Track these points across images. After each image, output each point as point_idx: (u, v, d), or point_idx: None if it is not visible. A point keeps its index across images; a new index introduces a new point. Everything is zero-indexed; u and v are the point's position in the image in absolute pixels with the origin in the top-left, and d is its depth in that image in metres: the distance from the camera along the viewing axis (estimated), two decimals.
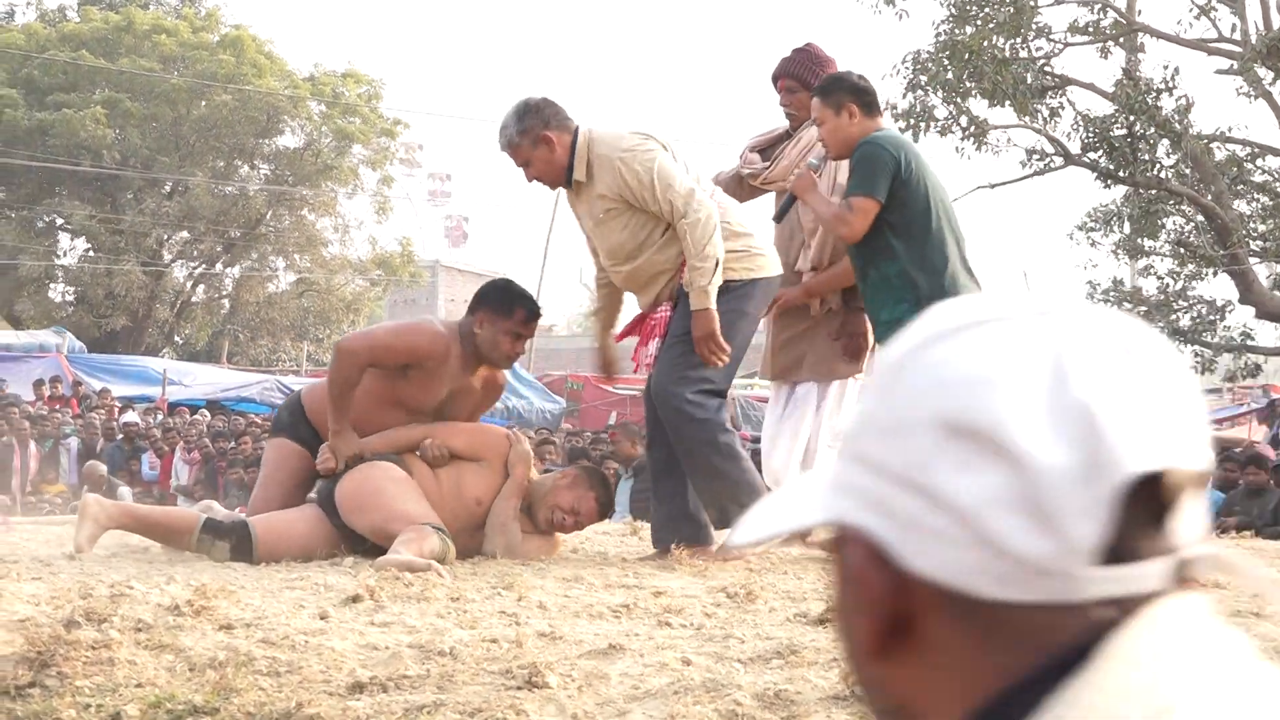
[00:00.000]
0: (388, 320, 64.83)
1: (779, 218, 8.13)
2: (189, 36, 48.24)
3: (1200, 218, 28.62)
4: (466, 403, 8.11)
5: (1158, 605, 1.17)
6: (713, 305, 7.26)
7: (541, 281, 31.77)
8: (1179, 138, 26.41)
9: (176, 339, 51.91)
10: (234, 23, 51.05)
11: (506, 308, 7.85)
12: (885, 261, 7.37)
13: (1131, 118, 26.43)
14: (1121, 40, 28.56)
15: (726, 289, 7.37)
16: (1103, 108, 27.63)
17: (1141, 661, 1.14)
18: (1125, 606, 1.16)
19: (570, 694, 4.30)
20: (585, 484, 7.86)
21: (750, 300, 7.50)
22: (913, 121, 27.16)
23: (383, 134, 50.44)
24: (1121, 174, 27.14)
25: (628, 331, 7.91)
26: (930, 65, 26.83)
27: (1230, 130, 28.49)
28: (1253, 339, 30.28)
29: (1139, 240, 30.32)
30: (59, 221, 48.81)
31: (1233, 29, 27.91)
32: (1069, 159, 27.85)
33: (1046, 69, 27.81)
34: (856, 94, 7.54)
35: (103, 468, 21.53)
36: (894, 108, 27.23)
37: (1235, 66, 27.61)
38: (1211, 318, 30.42)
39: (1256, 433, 29.86)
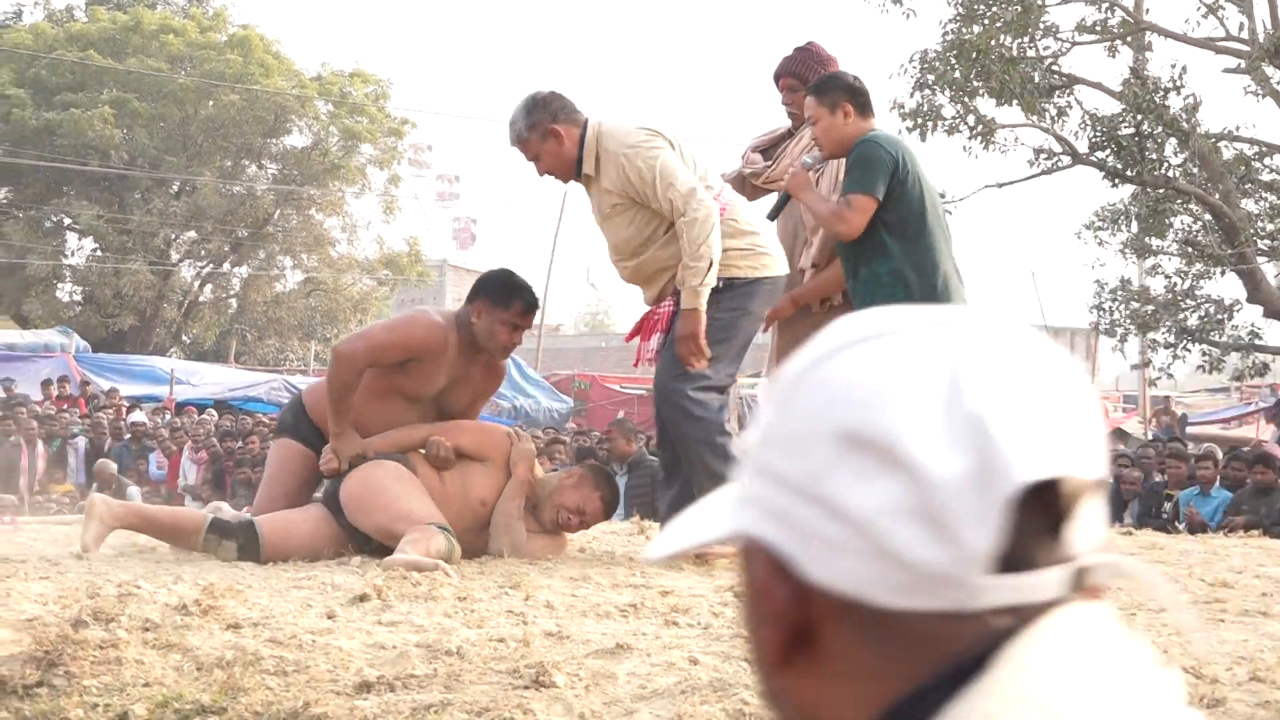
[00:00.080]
0: None
1: (773, 215, 8.12)
2: (196, 36, 48.27)
3: (1208, 217, 28.56)
4: (466, 391, 8.11)
5: (1055, 613, 1.18)
6: (701, 306, 7.24)
7: (548, 281, 31.76)
8: (1187, 137, 26.36)
9: (184, 338, 51.93)
10: (241, 22, 51.22)
11: (505, 299, 7.85)
12: (878, 260, 7.37)
13: (1139, 117, 26.38)
14: (1129, 39, 28.52)
15: (730, 286, 7.37)
16: (1110, 107, 27.61)
17: (1037, 669, 1.15)
18: (1023, 614, 1.17)
19: (577, 693, 4.30)
20: (591, 483, 7.86)
21: (754, 298, 7.48)
22: (920, 121, 27.13)
23: (390, 133, 50.46)
24: (1129, 173, 27.08)
25: (635, 332, 7.89)
26: (937, 64, 26.79)
27: (1238, 129, 28.45)
28: (1260, 338, 30.21)
29: (1147, 239, 30.27)
30: (67, 221, 48.87)
31: (1240, 28, 27.85)
32: (1076, 158, 27.80)
33: (1054, 68, 27.77)
34: (851, 94, 7.56)
35: (113, 466, 21.56)
36: (901, 107, 27.22)
37: (1243, 65, 27.56)
38: (1219, 317, 30.36)
39: (1264, 431, 29.87)
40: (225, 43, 48.62)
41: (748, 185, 8.41)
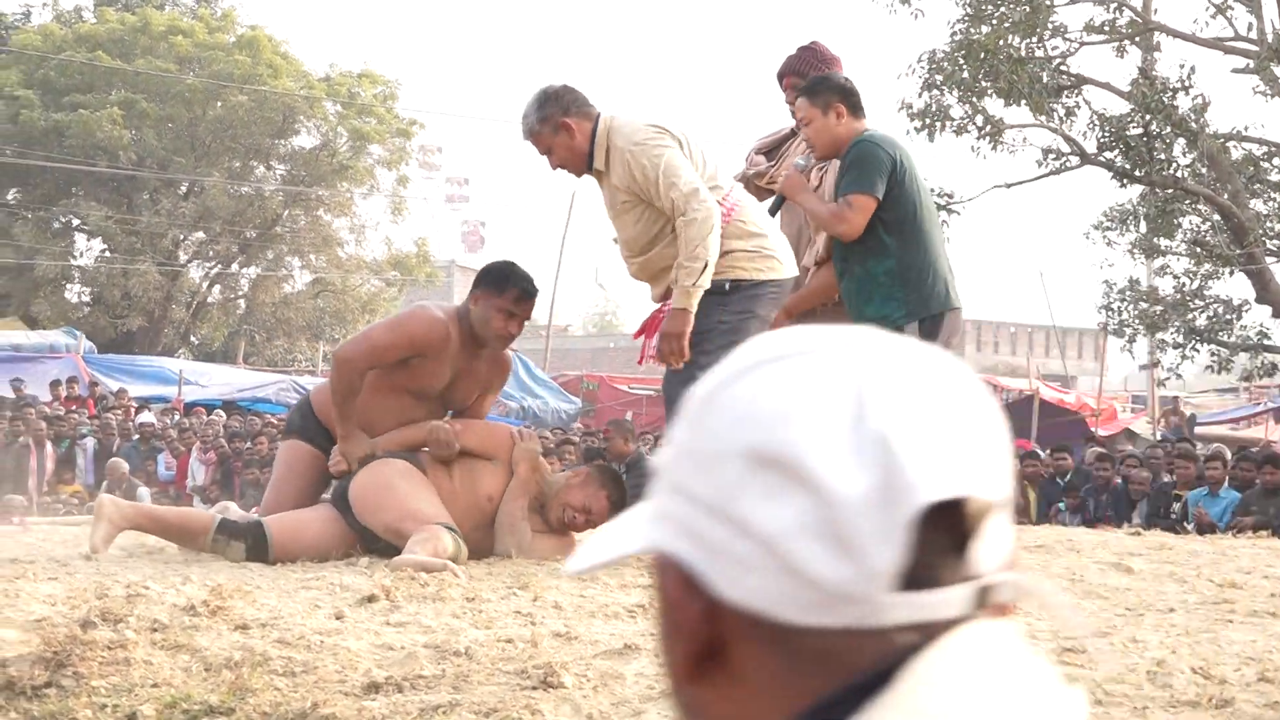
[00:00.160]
0: None
1: (771, 213, 8.10)
2: (205, 37, 48.27)
3: (1216, 217, 28.56)
4: (472, 385, 8.11)
5: (959, 630, 1.19)
6: (691, 306, 7.19)
7: (557, 282, 31.80)
8: (1195, 137, 26.36)
9: (192, 339, 51.94)
10: (250, 23, 51.12)
11: (499, 285, 7.85)
12: (875, 260, 7.38)
13: (1148, 117, 26.38)
14: (1137, 39, 28.53)
15: (736, 288, 7.33)
16: (1119, 107, 27.62)
17: (938, 685, 1.16)
18: (928, 631, 1.18)
19: (585, 694, 4.30)
20: (597, 482, 7.86)
21: (760, 301, 7.42)
22: (928, 121, 27.15)
23: (399, 134, 50.46)
24: (1138, 173, 27.09)
25: (642, 330, 7.87)
26: (946, 64, 26.81)
27: (1247, 129, 28.45)
28: (1269, 338, 30.20)
29: (1155, 239, 30.26)
30: (75, 222, 48.89)
31: (1249, 28, 27.87)
32: (1085, 158, 27.81)
33: (1062, 68, 27.78)
34: (843, 94, 7.57)
35: (125, 465, 21.55)
36: (909, 107, 27.22)
37: (1251, 65, 27.56)
38: (1228, 317, 30.34)
39: (1273, 432, 29.86)
40: (233, 43, 48.60)
41: (751, 187, 8.39)
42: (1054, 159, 28.29)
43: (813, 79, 7.81)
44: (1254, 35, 27.77)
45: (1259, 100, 26.25)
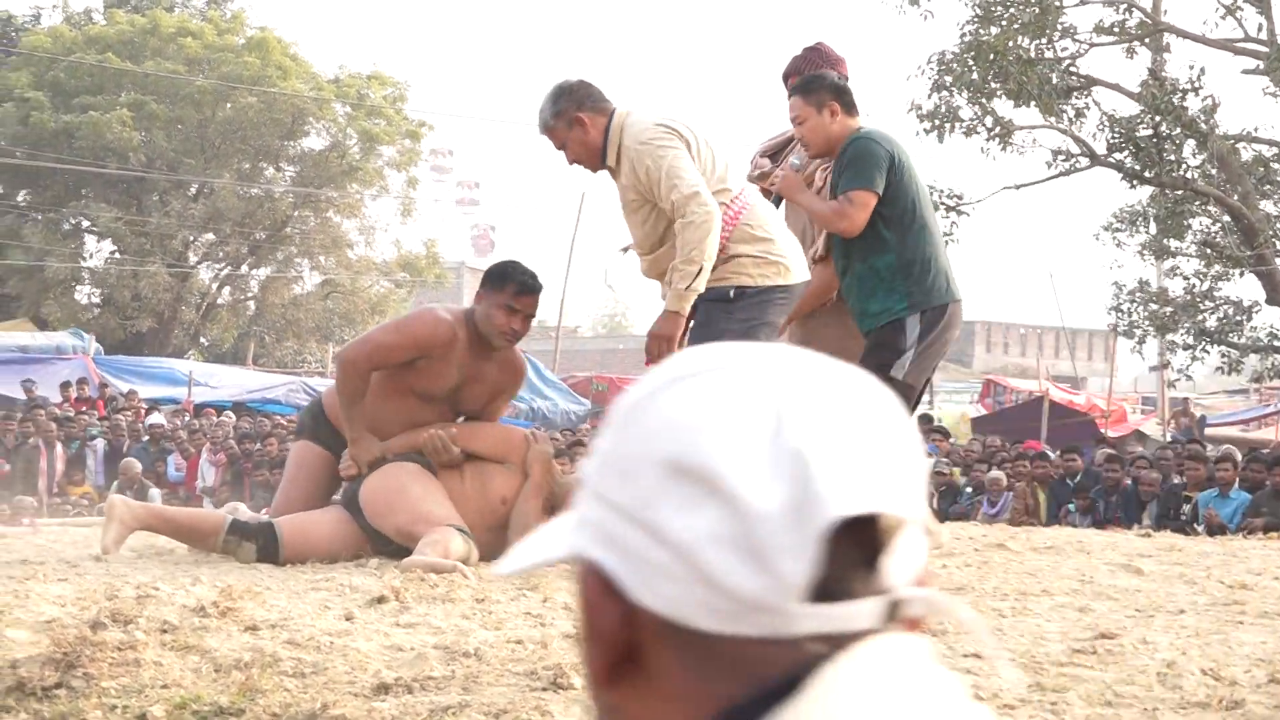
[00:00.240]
0: None
1: None
2: (214, 39, 48.31)
3: (1227, 218, 28.52)
4: (482, 389, 8.07)
5: (867, 643, 1.22)
6: (683, 309, 7.16)
7: (566, 283, 31.80)
8: (1205, 138, 26.33)
9: (202, 341, 51.97)
10: (259, 25, 51.22)
11: (499, 282, 7.83)
12: (876, 255, 7.37)
13: (1157, 118, 26.35)
14: (1147, 40, 28.50)
15: (742, 295, 7.24)
16: (1128, 108, 27.59)
17: (844, 693, 1.19)
18: (838, 642, 1.21)
19: None
20: None
21: (768, 308, 7.30)
22: (938, 122, 27.13)
23: (408, 135, 50.48)
24: (1147, 174, 27.06)
25: None
26: (955, 66, 26.78)
27: (1257, 130, 28.42)
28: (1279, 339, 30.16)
29: (1165, 241, 30.22)
30: (85, 224, 48.96)
31: (1259, 29, 27.82)
32: (1095, 159, 27.78)
33: (1072, 69, 27.75)
34: (837, 92, 7.57)
35: (138, 465, 21.57)
36: (919, 108, 27.21)
37: (1262, 66, 27.53)
38: (1238, 318, 30.30)
39: None
40: (243, 45, 48.63)
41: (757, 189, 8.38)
42: (1063, 160, 28.27)
43: (806, 77, 7.80)
44: (1264, 36, 27.73)
45: (1269, 101, 26.26)
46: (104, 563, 7.21)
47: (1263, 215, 27.70)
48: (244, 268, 51.24)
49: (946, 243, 25.71)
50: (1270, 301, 28.60)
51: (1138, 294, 30.87)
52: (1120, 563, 7.41)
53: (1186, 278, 31.27)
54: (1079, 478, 18.29)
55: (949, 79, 26.95)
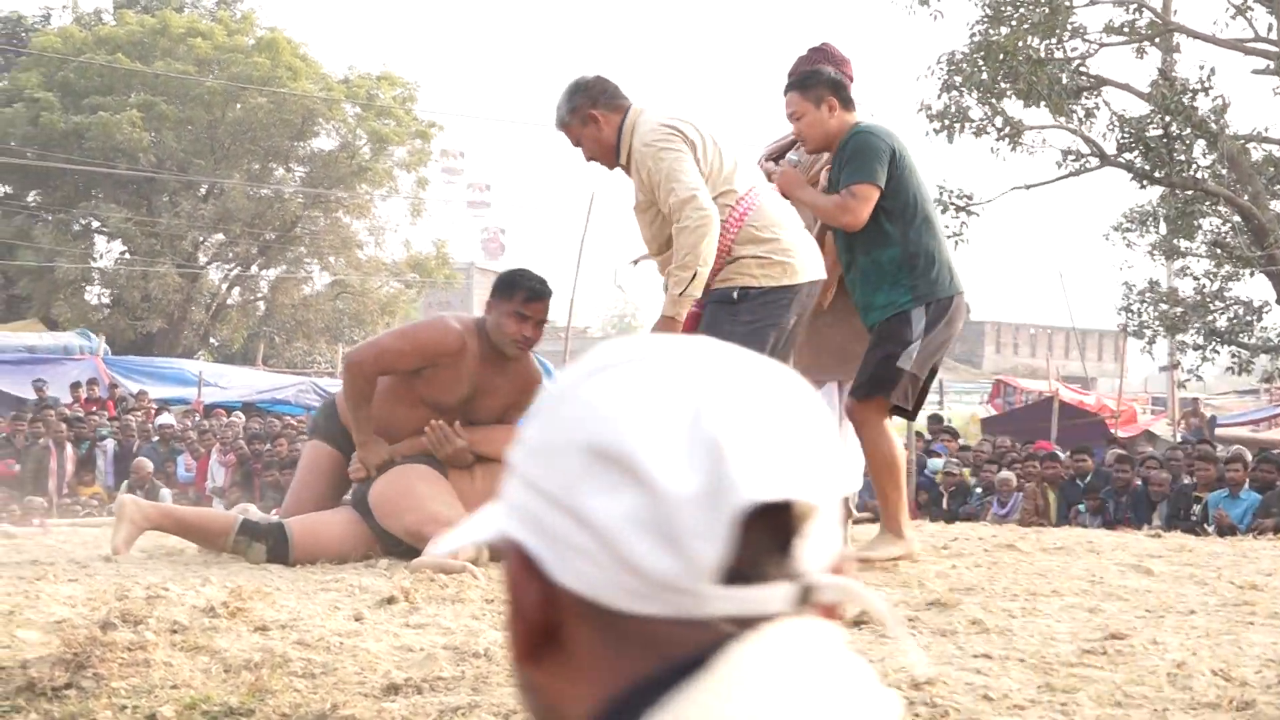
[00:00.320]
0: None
1: None
2: (224, 39, 48.37)
3: (1237, 218, 28.49)
4: (495, 401, 8.03)
5: (777, 625, 1.25)
6: (678, 314, 7.12)
7: (576, 283, 31.76)
8: (1215, 138, 26.30)
9: (212, 341, 52.03)
10: (269, 25, 51.19)
11: (508, 290, 7.81)
12: (880, 249, 7.35)
13: (1167, 118, 26.32)
14: (1157, 40, 28.47)
15: (745, 296, 7.18)
16: (1138, 108, 27.56)
17: (750, 672, 1.23)
18: (749, 625, 1.25)
19: None
20: None
21: (773, 309, 7.21)
22: (947, 122, 27.12)
23: (417, 135, 50.49)
24: (1157, 174, 27.03)
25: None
26: (965, 66, 26.76)
27: (1267, 130, 28.37)
28: None
29: (1175, 241, 30.19)
30: (95, 224, 49.04)
31: (1269, 29, 27.80)
32: (1105, 159, 27.76)
33: (1082, 69, 27.71)
34: (835, 87, 7.55)
35: (150, 465, 21.61)
36: (928, 108, 27.20)
37: (1272, 66, 27.52)
38: (1248, 318, 30.28)
39: None
40: (253, 46, 48.69)
41: None
42: (1073, 160, 28.24)
43: (802, 72, 7.77)
44: (1274, 36, 27.71)
45: (1279, 101, 26.31)
46: (114, 563, 7.22)
47: (1273, 215, 27.66)
48: (254, 268, 51.33)
49: (956, 243, 25.56)
50: None
51: (1148, 294, 30.85)
52: (1130, 563, 7.40)
53: (1197, 278, 31.25)
54: (1089, 478, 18.27)
55: (959, 79, 26.93)
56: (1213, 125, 26.35)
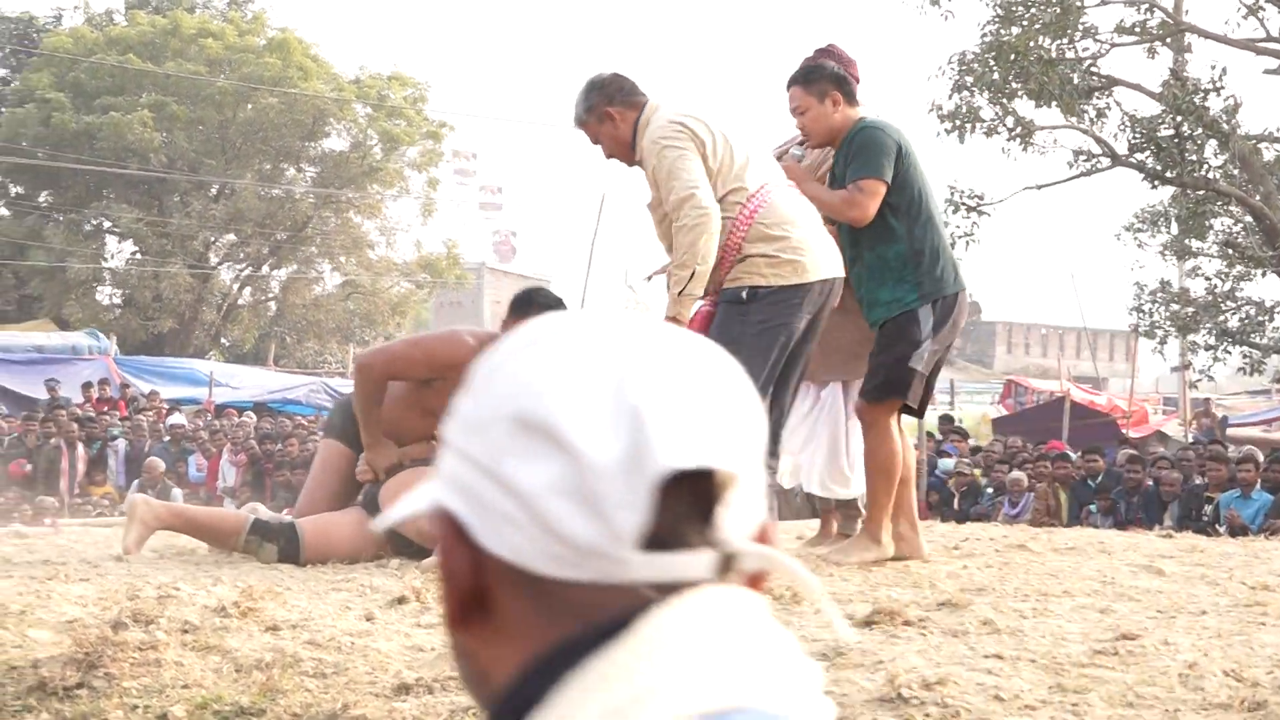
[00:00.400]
0: (433, 323, 64.99)
1: None
2: (235, 40, 48.42)
3: (1248, 218, 28.43)
4: None
5: (700, 591, 1.29)
6: (681, 314, 7.07)
7: (586, 284, 31.77)
8: (1227, 138, 26.24)
9: (223, 341, 52.08)
10: (280, 26, 51.23)
11: (525, 308, 7.79)
12: (884, 244, 7.33)
13: (1179, 118, 26.26)
14: (1168, 40, 28.41)
15: (754, 296, 7.11)
16: (1150, 108, 27.49)
17: (670, 634, 1.27)
18: (672, 591, 1.29)
19: None
20: None
21: (783, 308, 7.12)
22: (958, 122, 27.08)
23: (429, 136, 50.50)
24: (1169, 174, 26.97)
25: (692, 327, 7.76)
26: (976, 66, 26.71)
27: (1279, 130, 28.31)
28: None
29: (1187, 241, 30.15)
30: (106, 224, 49.08)
31: None
32: (1116, 160, 27.70)
33: (1093, 69, 27.66)
34: (839, 82, 7.53)
35: (161, 464, 21.65)
36: (939, 108, 27.16)
37: None
38: (1260, 319, 30.22)
39: None
40: (264, 46, 48.72)
41: None
42: (1085, 160, 28.18)
43: (805, 67, 7.73)
44: None
45: None
46: (125, 563, 7.22)
47: None
48: (265, 268, 51.37)
49: (967, 243, 25.41)
50: None
51: (1159, 294, 30.81)
52: (1142, 564, 7.39)
53: (1208, 278, 31.20)
54: (1100, 478, 18.25)
55: (970, 79, 26.88)
56: (1224, 125, 26.29)
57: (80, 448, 22.86)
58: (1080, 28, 27.28)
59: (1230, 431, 29.11)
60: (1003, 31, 26.68)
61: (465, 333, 8.04)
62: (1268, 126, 28.56)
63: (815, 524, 8.71)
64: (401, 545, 7.52)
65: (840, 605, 5.80)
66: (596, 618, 1.29)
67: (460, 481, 1.35)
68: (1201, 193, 27.66)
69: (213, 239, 49.35)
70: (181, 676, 4.65)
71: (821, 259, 7.23)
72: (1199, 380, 32.36)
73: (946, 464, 21.26)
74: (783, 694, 1.29)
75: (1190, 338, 31.05)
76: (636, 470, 1.27)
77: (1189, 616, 5.75)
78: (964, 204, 27.85)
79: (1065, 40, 27.13)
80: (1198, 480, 17.32)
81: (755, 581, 1.35)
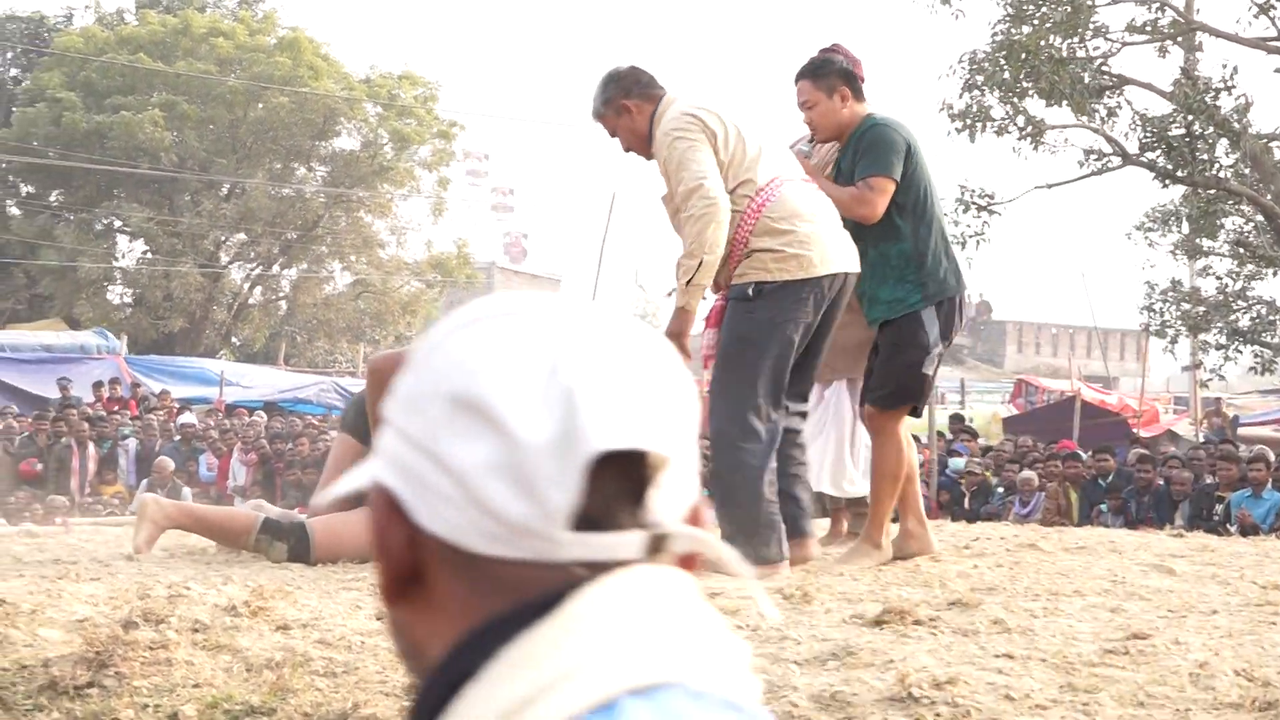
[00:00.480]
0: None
1: None
2: (246, 39, 48.44)
3: (1260, 217, 28.41)
4: None
5: (628, 571, 1.32)
6: (689, 305, 7.01)
7: (597, 283, 31.76)
8: (1238, 137, 26.22)
9: (234, 340, 52.10)
10: (290, 25, 51.27)
11: None
12: (888, 242, 7.32)
13: (1190, 117, 26.25)
14: (1180, 39, 28.38)
15: (760, 292, 7.02)
16: (1161, 107, 27.48)
17: (599, 610, 1.30)
18: (602, 570, 1.32)
19: None
20: None
21: (790, 304, 7.02)
22: (969, 121, 27.06)
23: (439, 135, 50.52)
24: (1180, 174, 26.96)
25: (708, 321, 7.74)
26: (987, 65, 26.70)
27: None
28: None
29: (1198, 240, 30.16)
30: (117, 224, 49.12)
31: None
32: (1127, 159, 27.68)
33: (1104, 68, 27.64)
34: (847, 78, 7.52)
35: (171, 464, 21.67)
36: (950, 108, 27.15)
37: None
38: (1271, 318, 30.22)
39: None
40: (274, 45, 48.74)
41: None
42: (1095, 160, 28.17)
43: (815, 61, 7.70)
44: None
45: None
46: (136, 562, 7.23)
47: None
48: (275, 268, 51.37)
49: (978, 242, 25.39)
50: None
51: (1170, 294, 30.81)
52: (1152, 563, 7.39)
53: (1219, 277, 31.21)
54: (1111, 478, 18.24)
55: (980, 78, 26.87)
56: (1235, 124, 26.27)
57: (91, 447, 22.88)
58: (1091, 27, 27.28)
59: (1241, 431, 29.08)
60: (1013, 30, 26.67)
61: None
62: (1279, 125, 28.46)
63: (825, 523, 8.70)
64: None
65: (851, 605, 5.81)
66: (528, 595, 1.32)
67: (398, 459, 1.38)
68: (1212, 192, 27.65)
69: (223, 238, 49.39)
70: (192, 675, 4.66)
71: (831, 253, 7.11)
72: (1210, 380, 32.37)
73: (957, 463, 21.26)
74: (710, 671, 1.32)
75: (1201, 337, 31.06)
76: (568, 451, 1.30)
77: (1200, 616, 5.74)
78: (974, 203, 27.85)
79: (1076, 39, 27.12)
80: (1209, 480, 17.33)
81: (686, 562, 1.38)
